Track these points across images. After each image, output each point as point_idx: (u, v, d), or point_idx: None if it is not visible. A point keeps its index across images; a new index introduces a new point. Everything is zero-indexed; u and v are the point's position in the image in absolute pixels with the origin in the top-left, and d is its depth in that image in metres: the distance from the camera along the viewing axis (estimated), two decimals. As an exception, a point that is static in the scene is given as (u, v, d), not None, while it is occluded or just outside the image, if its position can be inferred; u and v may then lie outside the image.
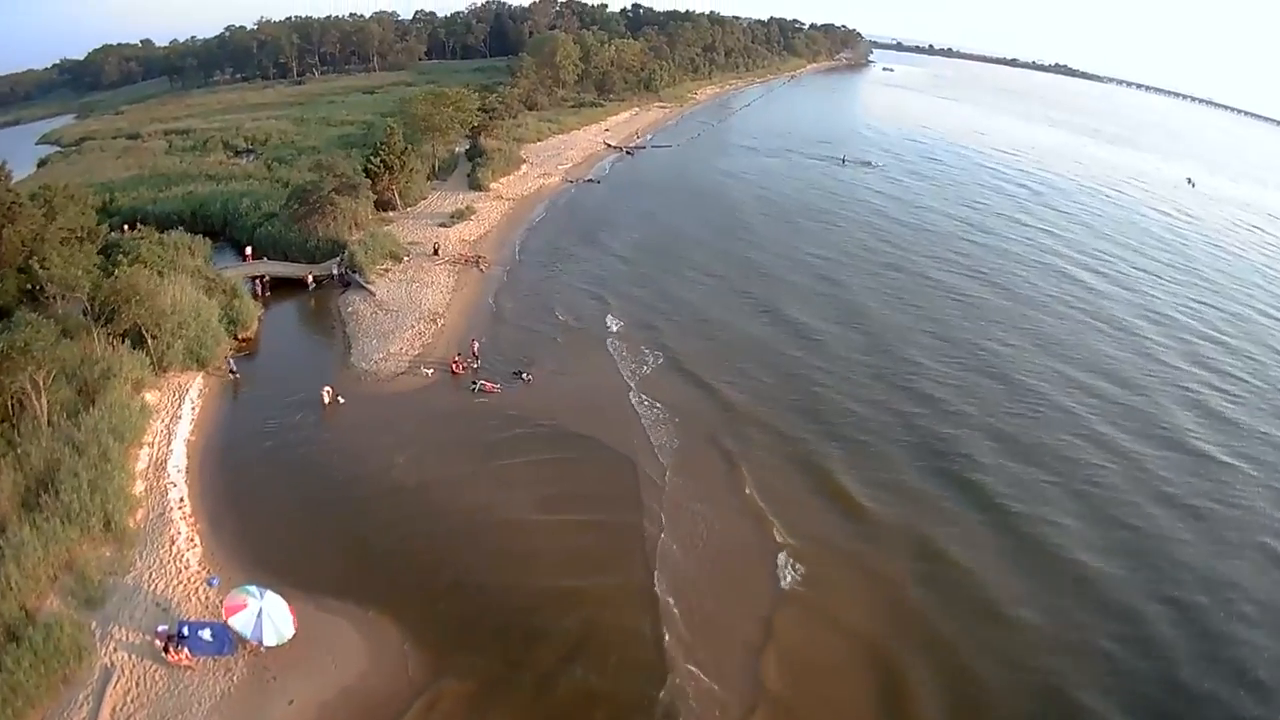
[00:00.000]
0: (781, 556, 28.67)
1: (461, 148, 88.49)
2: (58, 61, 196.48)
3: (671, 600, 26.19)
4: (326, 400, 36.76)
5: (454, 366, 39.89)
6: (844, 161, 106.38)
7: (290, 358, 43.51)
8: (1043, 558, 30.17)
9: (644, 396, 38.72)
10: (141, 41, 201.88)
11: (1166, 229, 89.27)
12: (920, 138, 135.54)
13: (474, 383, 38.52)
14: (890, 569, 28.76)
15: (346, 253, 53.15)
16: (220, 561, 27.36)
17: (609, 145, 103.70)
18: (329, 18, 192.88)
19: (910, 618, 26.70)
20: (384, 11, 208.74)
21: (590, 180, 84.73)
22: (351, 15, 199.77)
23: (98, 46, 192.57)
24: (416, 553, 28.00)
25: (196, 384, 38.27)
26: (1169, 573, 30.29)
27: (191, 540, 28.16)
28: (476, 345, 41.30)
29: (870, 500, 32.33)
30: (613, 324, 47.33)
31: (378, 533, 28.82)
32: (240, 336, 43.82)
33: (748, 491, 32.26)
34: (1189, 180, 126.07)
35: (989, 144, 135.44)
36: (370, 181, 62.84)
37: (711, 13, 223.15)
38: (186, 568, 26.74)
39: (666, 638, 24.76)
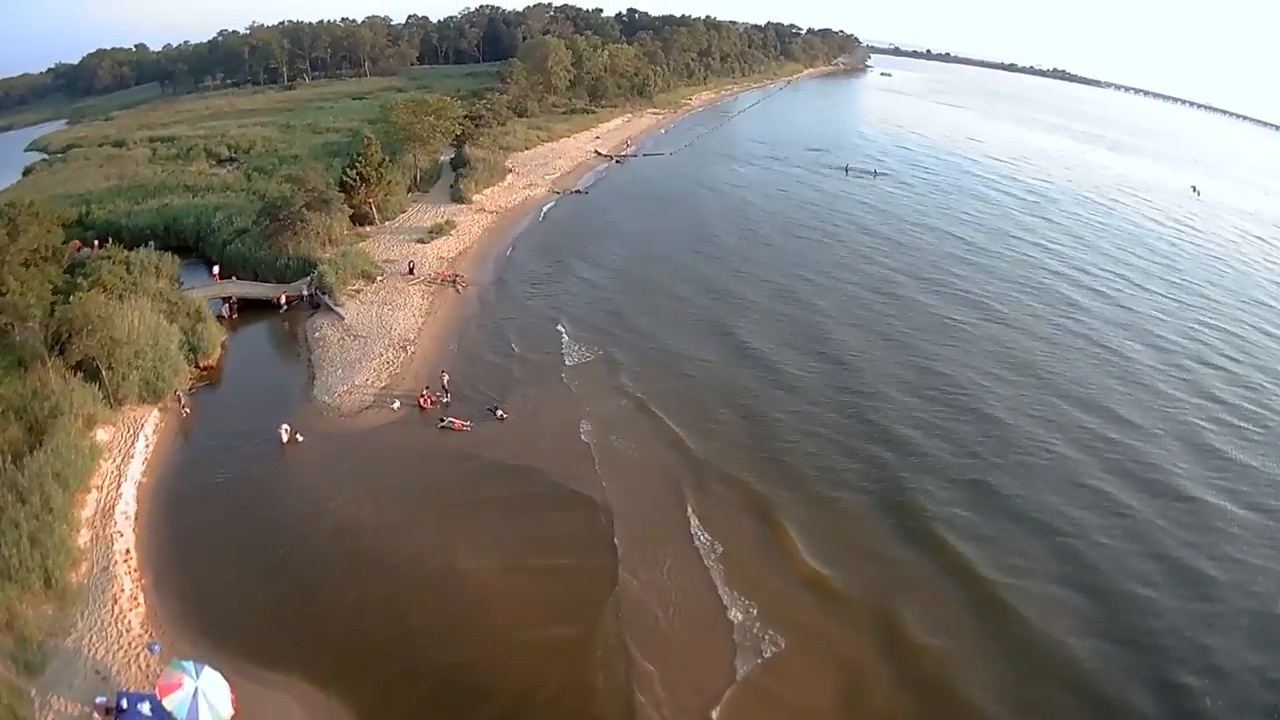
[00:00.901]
0: (740, 634, 25.98)
1: (447, 156, 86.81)
2: (52, 66, 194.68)
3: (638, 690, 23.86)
4: (285, 439, 34.80)
5: (421, 401, 37.88)
6: (847, 172, 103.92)
7: (252, 388, 41.43)
8: (1020, 641, 26.81)
9: (612, 438, 36.41)
10: (135, 46, 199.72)
11: (1175, 244, 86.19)
12: (921, 146, 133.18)
13: (442, 419, 36.45)
14: (854, 654, 25.83)
15: (316, 273, 51.19)
16: (164, 623, 25.53)
17: (599, 154, 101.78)
18: (321, 22, 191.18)
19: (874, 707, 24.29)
20: (376, 16, 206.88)
21: (578, 191, 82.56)
22: (343, 20, 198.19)
23: (92, 51, 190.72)
24: (374, 619, 25.94)
25: (152, 419, 36.37)
26: (1166, 662, 26.70)
27: (135, 599, 26.35)
28: (446, 378, 39.21)
29: (838, 571, 29.06)
30: (587, 358, 44.44)
31: (333, 595, 26.79)
32: (202, 365, 41.81)
33: (720, 569, 28.84)
34: (1194, 189, 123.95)
35: (990, 152, 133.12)
36: (345, 195, 61.06)
37: (707, 17, 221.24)
38: (128, 630, 24.96)
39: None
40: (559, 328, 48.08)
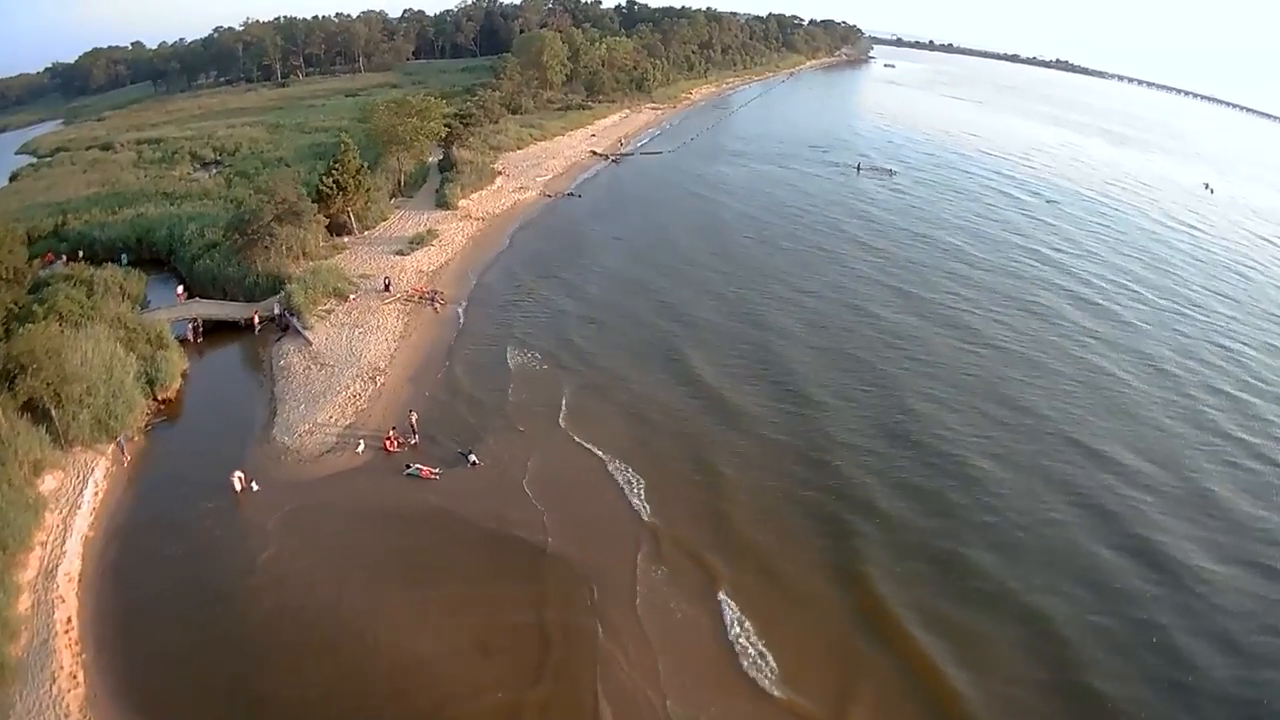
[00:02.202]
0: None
1: (436, 157, 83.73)
2: (50, 65, 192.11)
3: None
4: (239, 487, 32.01)
5: (388, 444, 34.87)
6: (859, 170, 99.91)
7: (211, 424, 38.40)
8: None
9: (611, 487, 33.25)
10: (132, 44, 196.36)
11: (1192, 249, 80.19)
12: (930, 142, 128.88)
13: (409, 465, 33.44)
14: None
15: (285, 291, 48.25)
16: (103, 706, 23.18)
17: (594, 153, 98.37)
18: (315, 18, 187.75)
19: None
20: (372, 10, 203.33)
21: (570, 194, 79.08)
22: (338, 15, 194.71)
23: (88, 50, 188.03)
24: (327, 710, 23.26)
25: (103, 462, 33.70)
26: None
27: (74, 676, 23.94)
28: (414, 417, 36.06)
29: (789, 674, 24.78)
30: (571, 394, 40.23)
31: (278, 682, 24.00)
32: (161, 398, 39.00)
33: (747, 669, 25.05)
34: (1206, 186, 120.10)
35: (999, 149, 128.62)
36: (321, 205, 58.07)
37: (708, 9, 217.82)
38: (67, 716, 22.64)
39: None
40: (540, 357, 44.29)
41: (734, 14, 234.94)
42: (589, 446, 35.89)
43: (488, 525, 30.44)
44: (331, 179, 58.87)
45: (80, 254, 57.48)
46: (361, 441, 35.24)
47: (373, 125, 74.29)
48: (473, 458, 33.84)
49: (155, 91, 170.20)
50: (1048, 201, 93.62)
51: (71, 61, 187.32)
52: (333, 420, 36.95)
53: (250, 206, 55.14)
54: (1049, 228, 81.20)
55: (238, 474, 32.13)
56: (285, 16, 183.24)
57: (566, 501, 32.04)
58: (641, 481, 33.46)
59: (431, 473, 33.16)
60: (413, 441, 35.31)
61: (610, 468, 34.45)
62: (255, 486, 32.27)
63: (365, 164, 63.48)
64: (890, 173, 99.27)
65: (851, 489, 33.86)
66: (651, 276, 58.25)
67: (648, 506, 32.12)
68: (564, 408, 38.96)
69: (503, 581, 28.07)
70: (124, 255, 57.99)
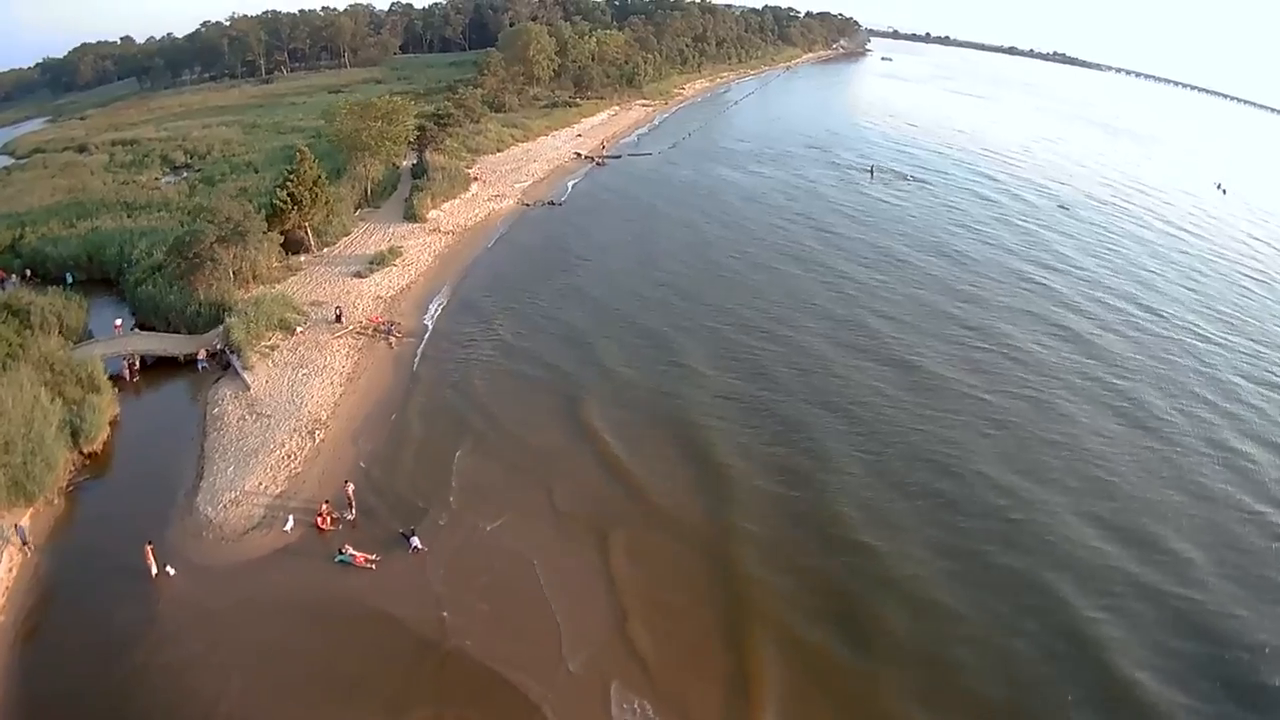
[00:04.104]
0: None
1: (410, 161, 78.13)
2: (41, 60, 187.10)
3: None
4: (154, 571, 27.02)
5: (320, 520, 29.41)
6: (872, 174, 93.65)
7: (135, 487, 32.74)
8: None
9: (558, 582, 27.35)
10: (122, 39, 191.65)
11: (1210, 261, 74.18)
12: (938, 143, 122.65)
13: (341, 550, 27.98)
14: None
15: (225, 324, 42.72)
16: None
17: (579, 155, 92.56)
18: (300, 12, 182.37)
19: None
20: (359, 4, 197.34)
21: (550, 203, 73.22)
22: (324, 9, 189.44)
23: (77, 45, 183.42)
24: None
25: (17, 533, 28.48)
26: None
27: None
28: (351, 489, 30.55)
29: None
30: (537, 459, 34.07)
31: None
32: (86, 450, 33.72)
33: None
34: (1219, 187, 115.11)
35: (1005, 149, 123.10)
36: (275, 220, 52.53)
37: (703, 0, 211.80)
38: None
39: None
40: (505, 407, 38.13)
41: (729, 6, 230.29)
42: (557, 531, 30.19)
43: (426, 634, 24.92)
44: (286, 191, 53.30)
45: (29, 272, 52.81)
46: (291, 517, 29.79)
47: (334, 130, 68.48)
48: (415, 541, 28.34)
49: (140, 88, 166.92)
50: (1058, 210, 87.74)
51: (62, 57, 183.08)
52: (262, 487, 31.51)
53: (190, 229, 49.56)
54: (1057, 245, 74.21)
55: (150, 552, 27.18)
56: (271, 11, 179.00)
57: (525, 605, 26.47)
58: (631, 583, 27.64)
59: (366, 560, 27.78)
60: (349, 518, 29.91)
61: (582, 560, 28.69)
62: (171, 571, 27.33)
63: (324, 174, 57.70)
64: (909, 179, 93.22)
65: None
66: (635, 309, 50.58)
67: (639, 631, 25.74)
68: (526, 477, 33.14)
69: (440, 707, 22.81)
70: (69, 276, 52.60)
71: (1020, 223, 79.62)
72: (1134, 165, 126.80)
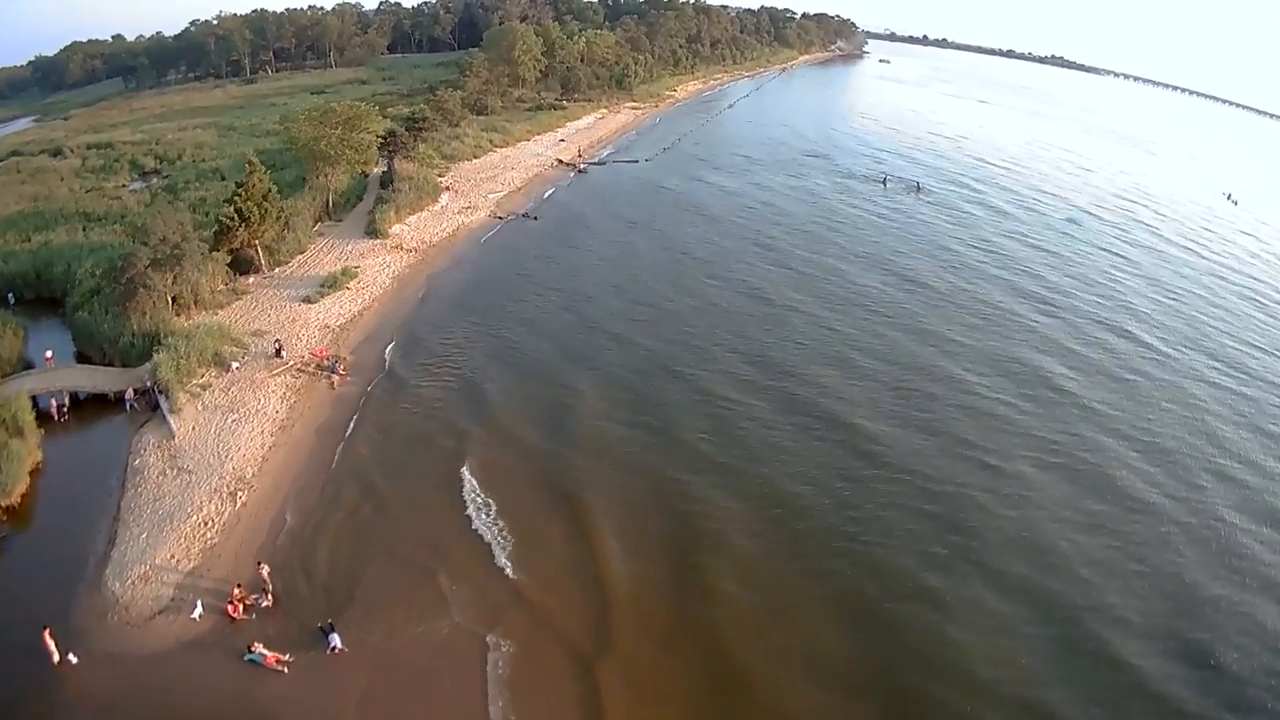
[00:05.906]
0: None
1: (381, 168, 74.06)
2: (33, 58, 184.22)
3: None
4: (55, 657, 23.58)
5: (232, 607, 25.52)
6: (885, 184, 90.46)
7: (51, 549, 29.03)
8: None
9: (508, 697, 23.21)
10: (113, 38, 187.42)
11: (1228, 280, 70.19)
12: (945, 148, 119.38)
13: (250, 648, 24.01)
14: None
15: (152, 362, 38.64)
16: None
17: (560, 162, 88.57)
18: (286, 11, 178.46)
19: None
20: (347, 3, 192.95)
21: (525, 216, 69.01)
22: (310, 7, 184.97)
23: (68, 44, 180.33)
24: None
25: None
26: None
27: None
28: (266, 571, 26.62)
29: None
30: (491, 531, 29.80)
31: None
32: (3, 504, 30.12)
33: None
34: (1229, 197, 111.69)
35: (1012, 157, 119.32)
36: (222, 238, 48.64)
37: (697, 0, 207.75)
38: None
39: None
40: (460, 470, 33.23)
41: (724, 6, 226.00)
42: (512, 625, 25.89)
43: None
44: (233, 207, 49.30)
45: None
46: (199, 602, 25.85)
47: (291, 137, 64.34)
48: (335, 639, 24.33)
49: (126, 88, 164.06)
50: (1071, 222, 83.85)
51: (53, 55, 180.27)
52: (174, 561, 27.58)
53: (122, 250, 45.63)
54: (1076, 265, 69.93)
55: (47, 632, 23.81)
56: (258, 9, 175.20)
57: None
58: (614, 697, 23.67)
59: (278, 660, 23.86)
60: (264, 604, 25.98)
61: (550, 671, 24.58)
62: (73, 659, 23.92)
63: (275, 187, 53.68)
64: (917, 188, 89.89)
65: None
66: (606, 345, 45.84)
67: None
68: (475, 555, 28.98)
69: None
70: (11, 296, 48.89)
71: (1030, 240, 75.52)
72: (1141, 174, 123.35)
